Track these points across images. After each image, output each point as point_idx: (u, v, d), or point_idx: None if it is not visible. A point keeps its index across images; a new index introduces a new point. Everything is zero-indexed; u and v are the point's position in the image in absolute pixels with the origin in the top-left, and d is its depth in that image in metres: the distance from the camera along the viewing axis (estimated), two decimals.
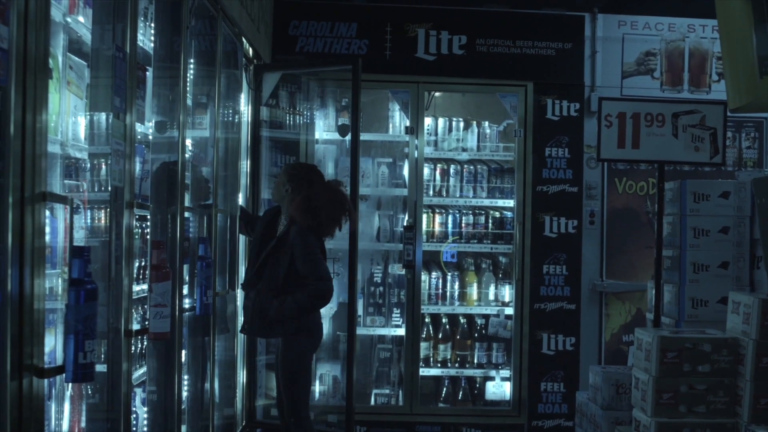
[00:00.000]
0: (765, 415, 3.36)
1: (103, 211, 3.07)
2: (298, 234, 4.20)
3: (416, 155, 5.98)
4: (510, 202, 6.17)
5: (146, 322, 3.04)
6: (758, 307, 3.38)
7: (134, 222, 2.96)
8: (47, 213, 2.21)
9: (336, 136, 6.32)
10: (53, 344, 2.71)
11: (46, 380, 2.12)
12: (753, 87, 3.29)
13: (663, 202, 4.34)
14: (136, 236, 3.13)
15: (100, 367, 2.84)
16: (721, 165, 4.36)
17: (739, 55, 3.34)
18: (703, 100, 5.13)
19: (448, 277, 6.16)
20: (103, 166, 3.10)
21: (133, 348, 3.15)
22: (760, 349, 3.43)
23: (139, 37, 3.19)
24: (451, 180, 6.25)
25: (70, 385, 3.06)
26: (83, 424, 3.09)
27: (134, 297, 3.09)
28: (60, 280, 2.77)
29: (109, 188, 2.85)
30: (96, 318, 2.11)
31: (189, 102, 3.95)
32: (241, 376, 5.27)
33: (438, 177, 6.25)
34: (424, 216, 6.10)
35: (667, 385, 3.52)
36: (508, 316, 6.06)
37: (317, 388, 6.12)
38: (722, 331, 3.68)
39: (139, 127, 3.18)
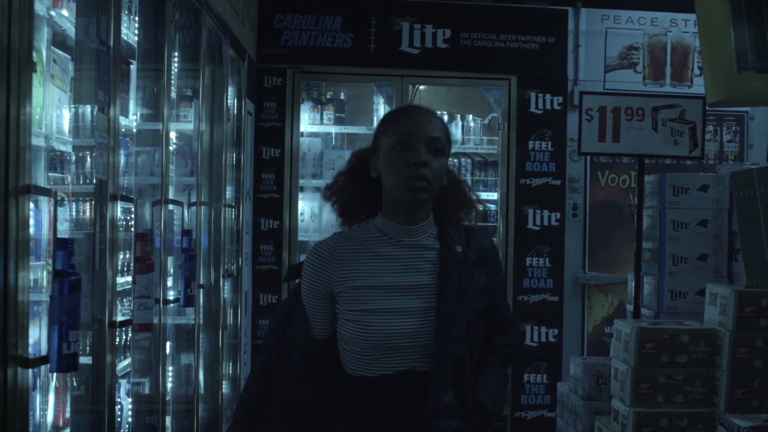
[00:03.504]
0: (740, 404, 3.41)
1: (87, 203, 3.09)
2: (494, 250, 2.40)
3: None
4: (494, 195, 6.22)
5: (130, 314, 3.06)
6: (734, 299, 3.43)
7: (119, 214, 2.98)
8: (31, 205, 2.23)
9: (321, 128, 6.36)
10: (38, 335, 2.74)
11: (30, 371, 2.14)
12: (731, 82, 3.34)
13: (643, 195, 4.39)
14: (121, 228, 3.15)
15: (85, 359, 2.86)
16: (700, 158, 4.41)
17: (717, 50, 3.38)
18: (682, 95, 5.18)
19: None
20: (88, 159, 3.12)
21: (117, 339, 3.18)
22: (737, 340, 3.49)
23: (123, 30, 3.20)
24: None
25: (54, 376, 3.09)
26: (68, 415, 3.12)
27: (119, 289, 3.12)
28: (45, 272, 2.79)
29: (94, 181, 2.87)
30: (79, 309, 2.14)
31: (173, 95, 3.97)
32: (227, 369, 5.29)
33: None
34: None
35: (646, 375, 3.57)
36: None
37: None
38: (700, 323, 3.74)
39: (123, 120, 3.19)
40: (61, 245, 2.12)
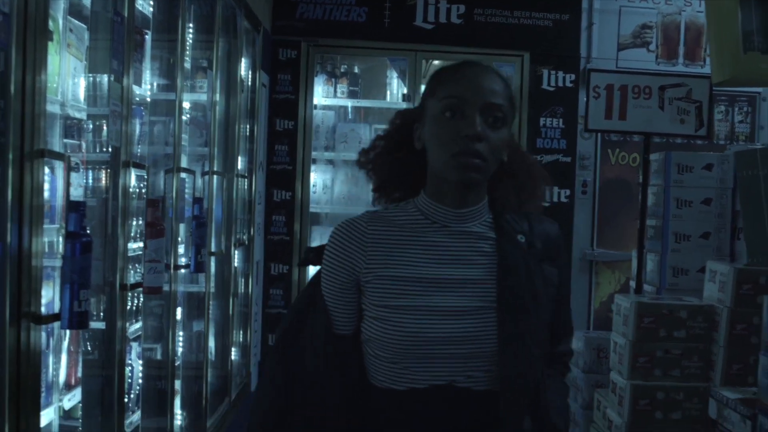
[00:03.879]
0: (736, 379, 3.48)
1: (102, 171, 3.17)
2: (561, 240, 1.95)
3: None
4: None
5: (141, 278, 3.15)
6: (733, 276, 3.49)
7: (132, 182, 3.06)
8: (46, 170, 2.31)
9: (334, 101, 6.42)
10: (51, 296, 2.83)
11: (43, 330, 2.24)
12: (736, 62, 3.37)
13: (648, 172, 4.44)
14: (134, 196, 3.23)
15: (98, 324, 2.96)
16: (706, 138, 4.45)
17: (724, 31, 3.42)
18: (689, 74, 5.20)
19: None
20: (104, 127, 3.19)
21: (129, 304, 3.27)
22: (734, 316, 3.54)
23: (139, 1, 3.28)
24: None
25: (67, 337, 3.19)
26: (80, 374, 3.22)
27: (130, 255, 3.21)
28: (58, 236, 2.88)
29: (109, 149, 2.95)
30: (90, 270, 2.23)
31: (187, 66, 4.04)
32: (237, 337, 5.39)
33: None
34: None
35: (644, 349, 3.64)
36: None
37: None
38: (700, 299, 3.80)
39: (137, 90, 3.27)
40: (73, 207, 2.21)
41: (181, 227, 4.03)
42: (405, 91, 6.20)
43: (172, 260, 3.60)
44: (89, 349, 3.15)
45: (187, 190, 4.06)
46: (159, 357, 3.87)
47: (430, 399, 1.74)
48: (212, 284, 4.55)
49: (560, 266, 1.87)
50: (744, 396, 2.55)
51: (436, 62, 6.49)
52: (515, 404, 1.72)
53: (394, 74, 6.50)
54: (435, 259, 1.76)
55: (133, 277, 3.30)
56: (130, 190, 3.04)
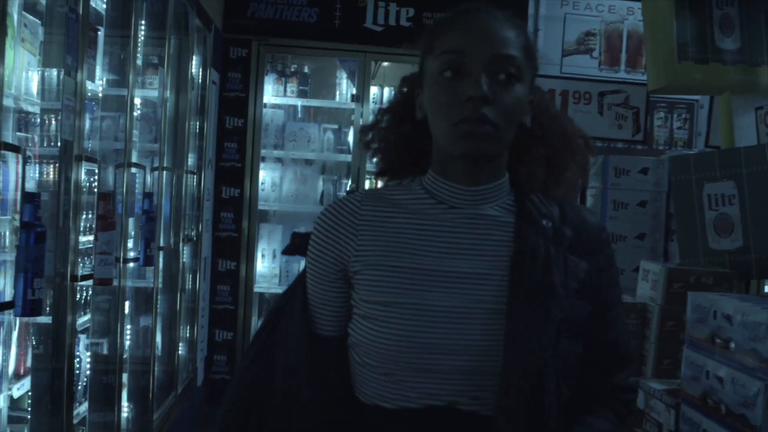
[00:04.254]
0: (666, 374, 3.63)
1: (51, 165, 3.21)
2: (603, 233, 1.56)
3: (362, 122, 6.17)
4: None
5: (91, 270, 3.20)
6: (664, 275, 3.63)
7: (83, 176, 3.11)
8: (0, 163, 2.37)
9: (284, 100, 6.49)
10: (2, 286, 2.87)
11: None
12: (671, 71, 3.50)
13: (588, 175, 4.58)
14: (84, 190, 3.28)
15: (45, 319, 2.99)
16: (642, 142, 4.61)
17: (660, 41, 3.55)
18: (627, 81, 5.37)
19: None
20: (53, 122, 3.24)
21: (78, 296, 3.31)
22: (665, 314, 3.69)
23: None
24: None
25: (17, 326, 3.23)
26: (29, 365, 3.26)
27: (81, 248, 3.25)
28: (10, 227, 2.92)
29: (59, 143, 2.99)
30: (44, 259, 2.29)
31: (139, 62, 4.09)
32: (184, 332, 5.44)
33: None
34: (367, 181, 6.30)
35: None
36: None
37: None
38: (634, 298, 3.94)
39: (89, 85, 3.31)
40: (28, 198, 2.27)
41: (130, 222, 4.08)
42: (354, 91, 6.29)
43: (122, 254, 3.65)
44: (39, 339, 3.20)
45: (137, 185, 4.11)
46: (105, 351, 3.92)
47: (426, 422, 1.40)
48: (160, 279, 4.60)
49: (597, 264, 1.47)
50: (669, 387, 2.68)
51: (385, 64, 6.59)
52: (507, 422, 1.34)
53: (344, 75, 6.59)
54: (440, 247, 1.44)
55: (82, 269, 3.35)
56: (81, 184, 3.09)
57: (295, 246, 1.60)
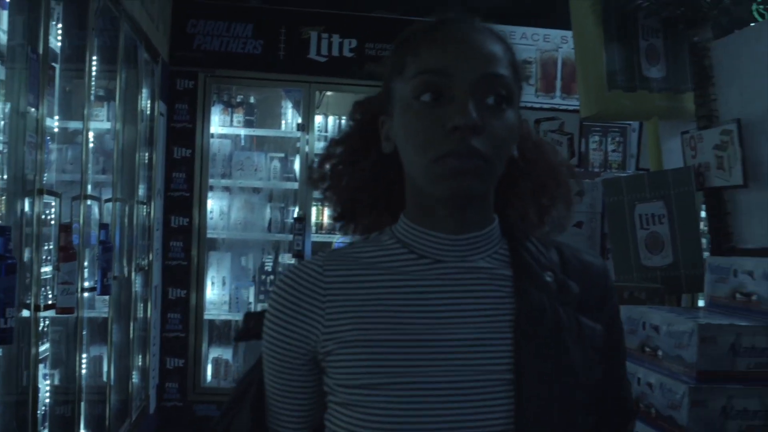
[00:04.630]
0: None
1: (15, 198, 3.29)
2: (608, 281, 1.32)
3: (307, 151, 6.32)
4: None
5: (52, 300, 3.28)
6: None
7: (42, 208, 3.20)
8: None
9: (231, 130, 6.61)
10: None
11: None
12: (602, 98, 3.68)
13: None
14: (44, 222, 3.36)
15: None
16: (578, 166, 4.83)
17: (590, 70, 3.74)
18: (561, 108, 5.62)
19: None
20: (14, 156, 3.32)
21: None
22: None
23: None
24: None
25: None
26: None
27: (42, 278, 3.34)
28: None
29: (22, 177, 3.09)
30: (15, 290, 2.39)
31: (92, 97, 4.19)
32: (137, 360, 5.50)
33: None
34: (314, 208, 6.45)
35: None
36: None
37: (209, 370, 6.41)
38: None
39: (47, 120, 3.41)
40: (0, 232, 2.37)
41: (86, 252, 4.16)
42: (299, 120, 6.45)
43: (79, 284, 3.74)
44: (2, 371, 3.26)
45: (92, 217, 4.20)
46: (58, 383, 3.98)
47: None
48: (113, 309, 4.67)
49: (608, 320, 1.27)
50: None
51: (329, 93, 6.76)
52: None
53: (289, 104, 6.74)
54: (428, 311, 1.19)
55: (42, 299, 3.43)
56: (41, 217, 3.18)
57: (250, 330, 1.30)
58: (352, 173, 1.33)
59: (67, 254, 3.18)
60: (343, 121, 6.70)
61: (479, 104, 1.14)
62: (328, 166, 1.36)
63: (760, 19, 3.82)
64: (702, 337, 1.93)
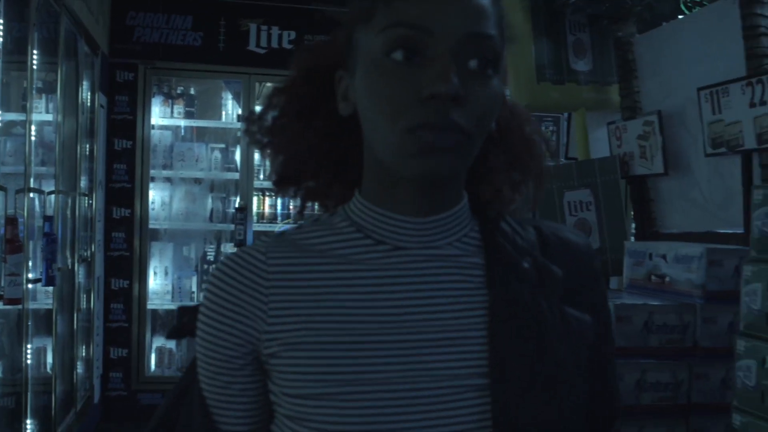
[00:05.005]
0: None
1: None
2: (595, 262, 1.13)
3: (248, 141, 6.39)
4: None
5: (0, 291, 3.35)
6: None
7: None
8: None
9: (171, 121, 6.66)
10: None
11: None
12: (531, 91, 3.80)
13: None
14: None
15: None
16: None
17: (520, 63, 3.86)
18: None
19: None
20: None
21: None
22: None
23: None
24: None
25: None
26: None
27: None
28: None
29: None
30: None
31: (34, 90, 4.23)
32: (81, 351, 5.54)
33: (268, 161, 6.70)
34: (255, 198, 6.54)
35: None
36: None
37: (153, 360, 6.47)
38: None
39: None
40: None
41: (30, 244, 4.21)
42: (239, 111, 6.53)
43: (25, 275, 3.79)
44: None
45: (35, 209, 4.25)
46: (1, 374, 4.03)
47: None
48: (56, 300, 4.72)
49: (596, 308, 1.09)
50: None
51: (269, 84, 6.84)
52: None
53: (229, 96, 6.81)
54: (386, 306, 1.01)
55: None
56: None
57: (184, 326, 1.13)
58: (299, 131, 1.11)
59: (13, 246, 3.25)
60: None
61: (461, 69, 0.93)
62: (269, 119, 1.14)
63: (687, 12, 4.00)
64: (618, 316, 2.10)
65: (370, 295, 1.02)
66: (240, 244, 6.26)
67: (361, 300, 1.02)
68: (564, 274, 1.06)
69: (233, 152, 6.72)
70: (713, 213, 3.02)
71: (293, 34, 6.48)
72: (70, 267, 4.99)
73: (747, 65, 2.82)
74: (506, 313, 1.01)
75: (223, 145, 6.75)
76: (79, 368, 5.46)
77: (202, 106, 6.91)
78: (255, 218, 6.53)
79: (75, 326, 5.24)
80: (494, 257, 1.05)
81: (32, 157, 4.08)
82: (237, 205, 6.41)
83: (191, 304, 1.42)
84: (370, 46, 0.98)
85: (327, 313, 1.01)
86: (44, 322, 4.64)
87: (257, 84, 6.53)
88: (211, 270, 6.50)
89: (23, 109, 4.31)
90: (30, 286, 4.06)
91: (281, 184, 1.16)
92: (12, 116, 4.40)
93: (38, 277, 4.06)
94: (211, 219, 6.67)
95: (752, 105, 2.68)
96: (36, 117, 4.79)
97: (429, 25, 0.94)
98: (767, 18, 3.00)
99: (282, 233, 1.10)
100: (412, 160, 0.95)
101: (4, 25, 3.84)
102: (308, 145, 1.12)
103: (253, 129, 1.16)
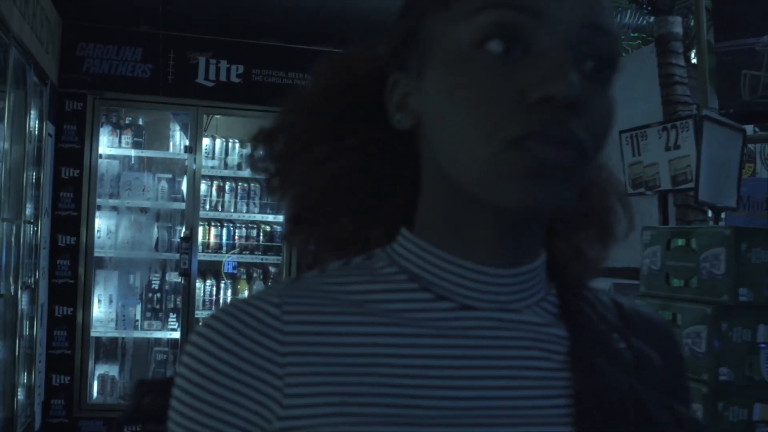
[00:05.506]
0: None
1: None
2: (681, 352, 0.91)
3: (194, 172, 6.50)
4: (280, 218, 6.79)
5: None
6: None
7: None
8: None
9: (119, 151, 6.73)
10: None
11: None
12: None
13: None
14: None
15: None
16: None
17: None
18: None
19: (222, 285, 6.71)
20: None
21: None
22: None
23: None
24: (227, 196, 6.83)
25: None
26: None
27: None
28: None
29: None
30: None
31: None
32: (22, 378, 5.55)
33: (215, 193, 6.81)
34: (201, 228, 6.63)
35: None
36: None
37: (95, 387, 6.49)
38: None
39: None
40: None
41: None
42: (187, 143, 6.63)
43: None
44: None
45: None
46: None
47: None
48: None
49: (687, 405, 0.88)
50: None
51: (218, 117, 6.96)
52: None
53: (177, 127, 6.90)
54: (446, 387, 0.75)
55: None
56: None
57: (143, 408, 0.99)
58: (326, 154, 0.85)
59: None
60: (230, 144, 6.92)
61: (577, 69, 0.71)
62: (282, 143, 0.87)
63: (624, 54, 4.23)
64: None
65: (429, 370, 0.74)
66: (185, 273, 6.33)
67: (416, 376, 0.74)
68: (661, 361, 0.82)
69: (180, 182, 6.80)
70: (637, 249, 3.20)
71: (241, 68, 6.61)
72: (12, 294, 5.02)
73: (663, 111, 3.02)
74: (598, 406, 0.75)
75: (170, 175, 6.83)
76: (20, 395, 5.46)
77: (150, 137, 6.98)
78: (200, 248, 6.61)
79: (17, 353, 5.26)
80: (579, 330, 0.80)
81: None
82: (182, 235, 6.48)
83: (156, 377, 0.78)
84: (453, 37, 0.73)
85: (369, 392, 0.72)
86: None
87: (205, 116, 6.64)
88: (155, 298, 6.56)
89: None
90: None
91: (294, 230, 0.87)
92: None
93: None
94: (156, 248, 6.74)
95: (667, 149, 2.87)
96: None
97: (539, 6, 0.70)
98: (681, 68, 3.22)
99: (300, 280, 0.81)
100: (514, 183, 0.70)
101: None
102: (338, 171, 0.84)
103: (260, 154, 0.89)
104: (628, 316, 0.85)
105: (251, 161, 0.90)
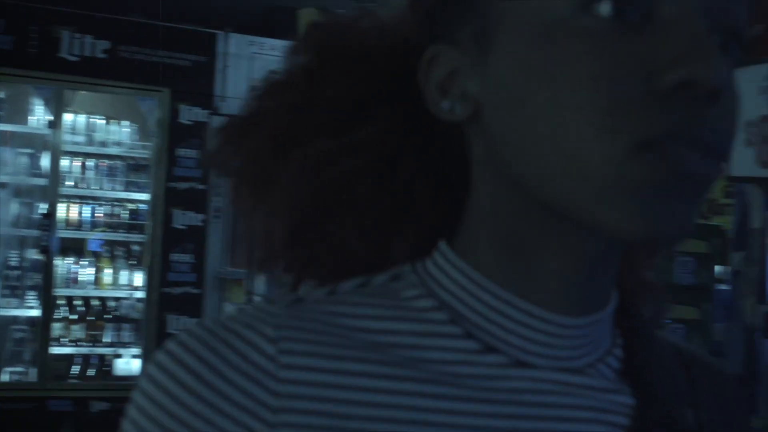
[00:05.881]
0: None
1: None
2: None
3: (56, 148, 6.40)
4: (145, 196, 6.77)
5: None
6: None
7: None
8: None
9: None
10: None
11: None
12: None
13: None
14: None
15: None
16: None
17: None
18: None
19: (84, 263, 6.64)
20: None
21: None
22: None
23: None
24: (91, 173, 6.75)
25: None
26: None
27: None
28: None
29: None
30: None
31: None
32: None
33: (78, 169, 6.72)
34: (63, 205, 6.53)
35: None
36: (138, 299, 6.66)
37: None
38: None
39: None
40: None
41: None
42: (49, 117, 6.50)
43: None
44: None
45: None
46: None
47: None
48: None
49: None
50: None
51: (82, 92, 6.85)
52: None
53: (40, 101, 6.76)
54: None
55: None
56: None
57: None
58: (330, 149, 0.66)
59: None
60: (95, 120, 6.84)
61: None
62: (260, 138, 0.69)
63: None
64: None
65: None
66: (45, 249, 6.23)
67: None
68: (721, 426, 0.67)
69: (41, 158, 6.68)
70: None
71: (107, 44, 6.51)
72: None
73: None
74: None
75: (31, 150, 6.69)
76: None
77: (10, 111, 6.81)
78: (63, 225, 6.51)
79: None
80: (647, 401, 0.64)
81: None
82: (43, 211, 6.38)
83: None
84: (541, 1, 0.55)
85: None
86: None
87: (69, 92, 6.53)
88: (14, 275, 6.44)
89: None
90: None
91: (288, 255, 0.68)
92: None
93: None
94: (15, 224, 6.60)
95: None
96: None
97: None
98: None
99: (301, 302, 0.61)
100: (643, 202, 0.52)
101: None
102: (348, 173, 0.65)
103: (229, 149, 0.69)
104: (693, 370, 0.69)
105: (210, 160, 0.70)
